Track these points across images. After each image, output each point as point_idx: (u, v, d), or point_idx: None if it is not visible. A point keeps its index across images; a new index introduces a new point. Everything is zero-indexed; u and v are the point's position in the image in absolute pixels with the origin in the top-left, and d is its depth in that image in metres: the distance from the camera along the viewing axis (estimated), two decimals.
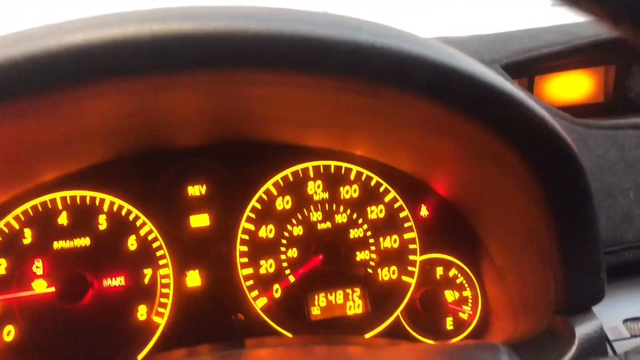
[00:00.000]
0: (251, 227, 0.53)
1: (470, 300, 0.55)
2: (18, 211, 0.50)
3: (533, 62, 0.60)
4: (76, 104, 0.31)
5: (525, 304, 0.48)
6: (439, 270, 0.55)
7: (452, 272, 0.55)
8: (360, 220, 0.55)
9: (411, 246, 0.55)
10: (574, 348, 0.41)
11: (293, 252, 0.54)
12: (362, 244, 0.55)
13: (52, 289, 0.49)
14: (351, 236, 0.55)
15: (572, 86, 0.65)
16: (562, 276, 0.43)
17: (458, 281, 0.56)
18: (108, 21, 0.29)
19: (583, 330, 0.42)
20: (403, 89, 0.32)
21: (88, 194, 0.51)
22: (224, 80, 0.32)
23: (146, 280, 0.51)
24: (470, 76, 0.34)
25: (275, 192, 0.54)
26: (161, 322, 0.50)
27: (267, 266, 0.54)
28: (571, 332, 0.42)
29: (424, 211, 0.56)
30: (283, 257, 0.54)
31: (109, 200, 0.51)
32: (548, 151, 0.40)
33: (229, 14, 0.31)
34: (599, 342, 0.42)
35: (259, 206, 0.53)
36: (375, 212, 0.56)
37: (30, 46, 0.28)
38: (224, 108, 0.42)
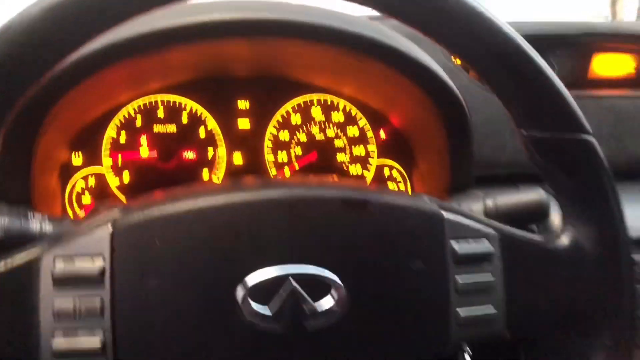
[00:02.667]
0: (275, 131, 0.84)
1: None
2: (134, 104, 0.81)
3: None
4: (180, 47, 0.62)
5: (433, 192, 0.81)
6: (387, 171, 0.88)
7: (395, 172, 0.88)
8: (342, 135, 0.87)
9: (371, 154, 0.87)
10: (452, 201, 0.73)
11: (299, 150, 0.86)
12: (341, 150, 0.87)
13: (155, 154, 0.81)
14: (335, 144, 0.87)
15: None
16: (451, 174, 0.76)
17: (398, 178, 0.88)
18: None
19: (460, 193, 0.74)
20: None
21: (177, 98, 0.81)
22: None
23: (209, 156, 0.83)
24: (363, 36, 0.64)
25: (291, 112, 0.85)
26: (217, 181, 0.82)
27: (282, 156, 0.85)
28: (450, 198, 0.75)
29: (382, 134, 0.88)
30: (292, 152, 0.86)
31: (190, 104, 0.81)
32: (443, 93, 0.71)
33: None
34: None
35: (280, 119, 0.84)
36: (352, 131, 0.87)
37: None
38: (267, 58, 0.74)
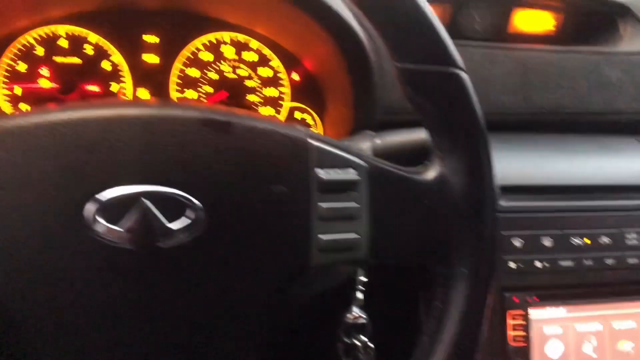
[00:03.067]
0: (183, 68, 0.83)
1: None
2: (34, 33, 0.77)
3: None
4: None
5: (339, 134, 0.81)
6: (298, 114, 0.88)
7: (307, 116, 0.88)
8: (254, 75, 0.85)
9: (284, 97, 0.86)
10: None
11: (209, 88, 0.84)
12: (253, 90, 0.86)
13: (55, 85, 0.78)
14: (247, 85, 0.86)
15: None
16: (355, 118, 0.76)
17: (310, 122, 0.88)
18: None
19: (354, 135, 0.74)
20: None
21: (80, 30, 0.78)
22: None
23: (114, 91, 0.80)
24: None
25: (202, 48, 0.83)
26: None
27: (191, 94, 0.84)
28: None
29: (295, 76, 0.87)
30: (201, 90, 0.84)
31: (94, 36, 0.79)
32: (347, 37, 0.71)
33: None
34: None
35: (190, 55, 0.82)
36: (265, 72, 0.86)
37: None
38: None
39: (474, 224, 0.47)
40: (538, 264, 0.75)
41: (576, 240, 0.77)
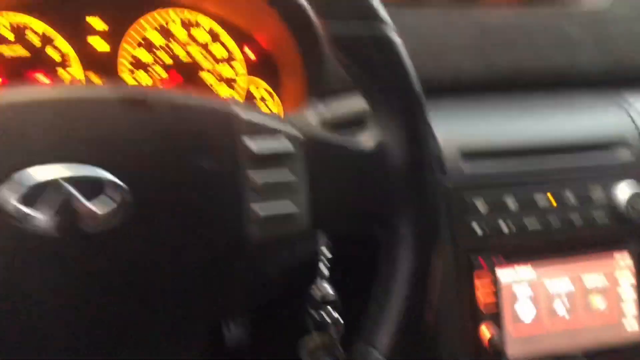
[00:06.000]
0: (131, 49, 0.80)
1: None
2: None
3: None
4: None
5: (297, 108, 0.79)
6: (255, 91, 0.86)
7: (264, 93, 0.86)
8: (207, 55, 0.83)
9: (239, 75, 0.84)
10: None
11: (161, 71, 0.82)
12: (207, 70, 0.84)
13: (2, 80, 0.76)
14: (201, 65, 0.84)
15: None
16: (308, 86, 0.74)
17: (268, 99, 0.87)
18: None
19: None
20: None
21: (23, 18, 0.76)
22: None
23: (64, 78, 0.79)
24: None
25: (148, 28, 0.81)
26: None
27: (142, 77, 0.82)
28: None
29: (249, 53, 0.85)
30: (153, 73, 0.82)
31: (37, 23, 0.76)
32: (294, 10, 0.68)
33: None
34: None
35: (136, 36, 0.80)
36: (218, 50, 0.84)
37: None
38: None
39: (414, 188, 0.46)
40: (504, 228, 0.74)
41: (542, 202, 0.76)
